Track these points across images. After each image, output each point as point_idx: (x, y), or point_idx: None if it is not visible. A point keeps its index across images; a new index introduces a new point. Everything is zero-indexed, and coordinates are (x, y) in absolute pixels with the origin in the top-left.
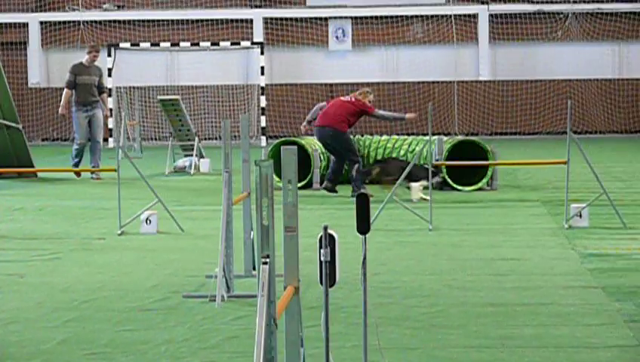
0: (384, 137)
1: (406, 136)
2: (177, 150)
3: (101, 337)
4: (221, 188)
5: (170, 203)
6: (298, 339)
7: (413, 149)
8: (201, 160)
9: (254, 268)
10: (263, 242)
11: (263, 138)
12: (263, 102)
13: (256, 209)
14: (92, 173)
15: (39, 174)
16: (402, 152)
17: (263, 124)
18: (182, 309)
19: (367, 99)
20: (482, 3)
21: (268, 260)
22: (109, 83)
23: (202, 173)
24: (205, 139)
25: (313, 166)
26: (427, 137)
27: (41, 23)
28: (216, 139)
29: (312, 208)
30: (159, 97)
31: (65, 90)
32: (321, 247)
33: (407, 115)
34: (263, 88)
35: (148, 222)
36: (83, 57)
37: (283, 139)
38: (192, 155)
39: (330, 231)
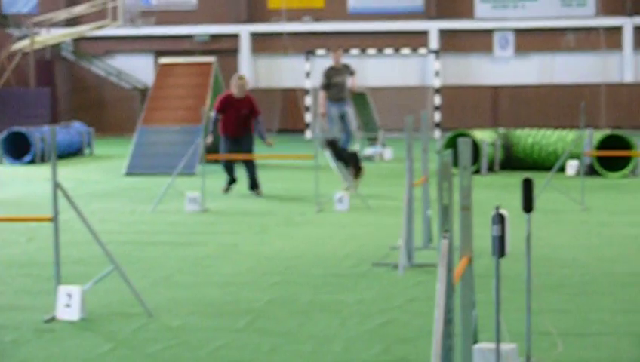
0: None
1: (557, 130)
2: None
3: (302, 298)
4: (402, 174)
5: (360, 185)
6: (471, 303)
7: (563, 140)
8: (385, 149)
9: (431, 241)
10: (443, 219)
11: (437, 131)
12: (437, 101)
13: (437, 190)
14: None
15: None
16: (553, 139)
17: (437, 119)
18: (370, 275)
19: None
20: (628, 16)
21: (447, 235)
22: (307, 84)
23: (385, 161)
24: (387, 131)
25: (481, 155)
26: (576, 131)
27: (251, 33)
28: (396, 131)
29: (479, 191)
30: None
31: (320, 91)
32: (493, 224)
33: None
34: (437, 89)
35: (340, 201)
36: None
37: (456, 131)
38: (376, 145)
39: (500, 210)
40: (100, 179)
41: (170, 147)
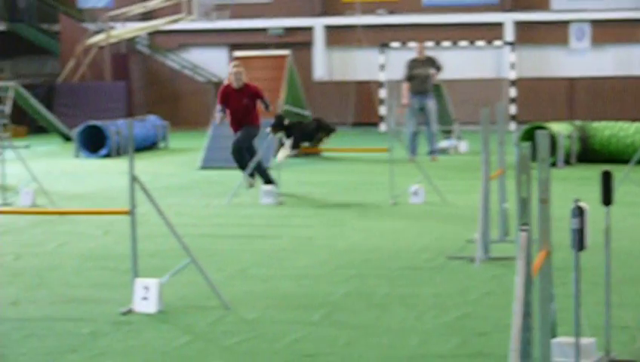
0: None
1: (635, 122)
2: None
3: (378, 291)
4: (477, 167)
5: (434, 178)
6: (550, 296)
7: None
8: (460, 142)
9: (507, 234)
10: (521, 212)
11: (513, 124)
12: (513, 93)
13: (515, 183)
14: (430, 153)
15: (323, 153)
16: (630, 132)
17: (513, 111)
18: (446, 268)
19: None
20: None
21: (526, 228)
22: (381, 77)
23: (461, 154)
24: (462, 123)
25: (557, 147)
26: None
27: (325, 26)
28: (471, 124)
29: (556, 184)
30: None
31: (404, 83)
32: (573, 217)
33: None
34: (512, 81)
35: (415, 194)
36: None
37: (532, 124)
38: (451, 138)
39: (580, 203)
40: (174, 173)
41: None
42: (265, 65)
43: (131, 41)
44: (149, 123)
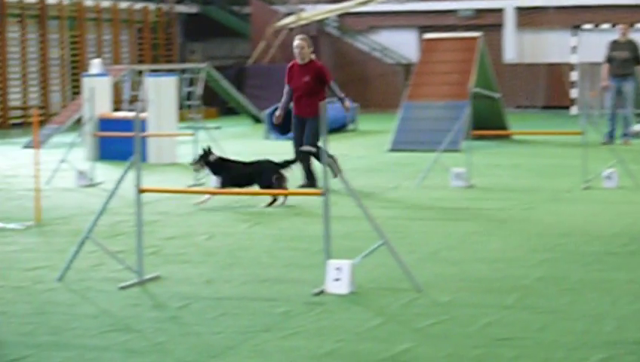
0: None
1: None
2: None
3: (572, 276)
4: None
5: (627, 162)
6: None
7: None
8: None
9: None
10: None
11: None
12: None
13: None
14: (623, 136)
15: (513, 136)
16: None
17: None
18: None
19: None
20: None
21: None
22: (573, 59)
23: None
24: None
25: None
26: None
27: (516, 8)
28: None
29: None
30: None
31: (603, 64)
32: None
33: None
34: None
35: (609, 178)
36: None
37: None
38: None
39: None
40: (364, 155)
41: (434, 123)
42: (455, 48)
43: (321, 23)
44: (338, 105)
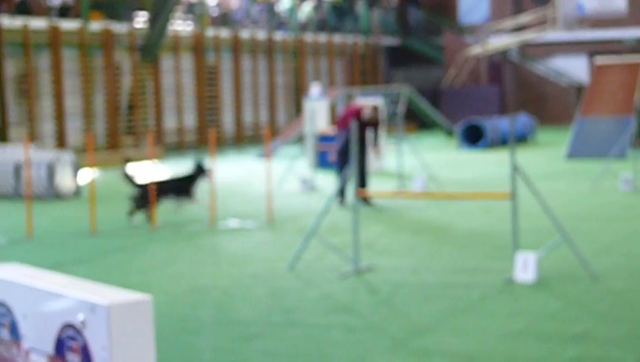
0: None
1: None
2: None
3: None
4: None
5: None
6: None
7: None
8: None
9: None
10: None
11: None
12: None
13: None
14: None
15: None
16: None
17: None
18: None
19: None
20: None
21: None
22: None
23: None
24: None
25: None
26: None
27: None
28: None
29: None
30: None
31: None
32: None
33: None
34: None
35: None
36: None
37: None
38: None
39: None
40: (542, 163)
41: (604, 134)
42: (621, 71)
43: (503, 51)
44: (520, 120)
